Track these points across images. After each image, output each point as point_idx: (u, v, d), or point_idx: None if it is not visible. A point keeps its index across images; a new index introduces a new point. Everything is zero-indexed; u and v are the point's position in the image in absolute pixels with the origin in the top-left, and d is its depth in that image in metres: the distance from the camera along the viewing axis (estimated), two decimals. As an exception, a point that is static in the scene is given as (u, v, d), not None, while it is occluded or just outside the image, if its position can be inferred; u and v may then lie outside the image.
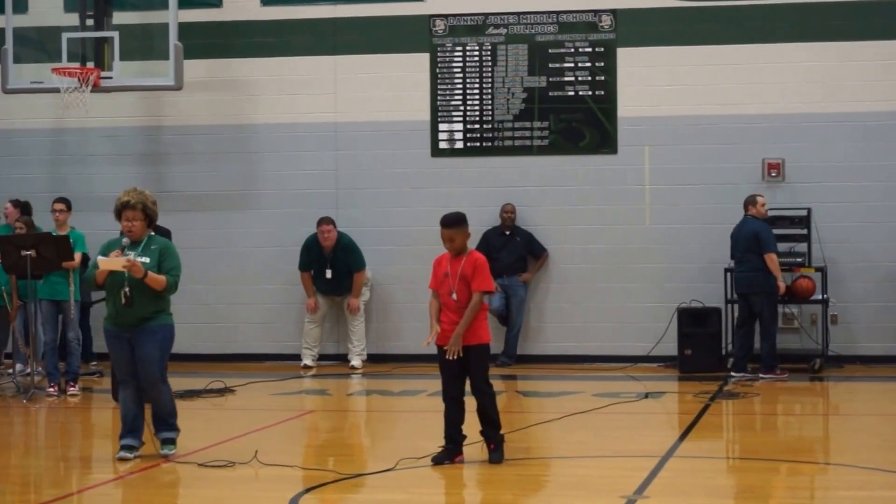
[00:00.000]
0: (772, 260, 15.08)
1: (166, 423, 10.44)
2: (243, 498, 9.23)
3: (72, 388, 14.19)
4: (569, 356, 16.65)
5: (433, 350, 16.59)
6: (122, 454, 10.30)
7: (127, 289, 10.03)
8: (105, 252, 10.22)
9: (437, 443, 10.48)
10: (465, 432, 10.14)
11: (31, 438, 12.26)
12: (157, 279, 10.07)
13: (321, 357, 16.91)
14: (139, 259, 10.06)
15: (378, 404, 14.20)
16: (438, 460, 10.01)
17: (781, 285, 15.09)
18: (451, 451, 10.07)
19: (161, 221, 15.33)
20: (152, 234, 10.34)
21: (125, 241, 10.21)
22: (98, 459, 10.88)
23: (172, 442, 10.43)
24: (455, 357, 9.93)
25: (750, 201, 15.36)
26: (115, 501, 9.26)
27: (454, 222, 10.13)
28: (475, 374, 10.02)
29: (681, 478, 9.64)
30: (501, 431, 10.15)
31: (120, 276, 10.05)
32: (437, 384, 14.67)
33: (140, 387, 10.32)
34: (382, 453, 10.66)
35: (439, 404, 13.61)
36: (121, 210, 10.21)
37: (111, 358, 10.47)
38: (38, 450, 11.54)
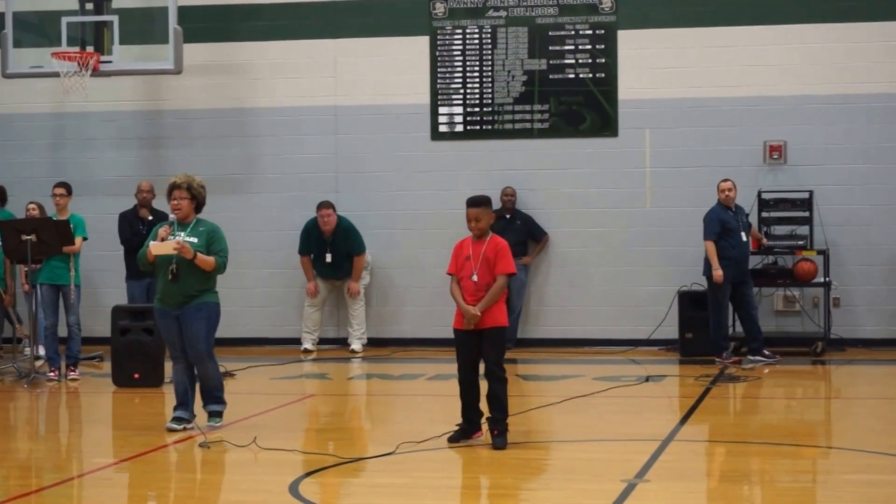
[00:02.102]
0: (707, 248, 15.05)
1: (213, 396, 10.91)
2: (243, 482, 9.23)
3: (72, 373, 14.18)
4: (569, 340, 16.64)
5: (433, 334, 16.84)
6: (171, 425, 10.76)
7: (174, 265, 10.58)
8: (157, 233, 10.75)
9: (437, 426, 10.49)
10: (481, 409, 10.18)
11: (31, 423, 12.25)
12: (207, 260, 10.63)
13: (321, 341, 16.90)
14: (187, 240, 10.60)
15: (378, 388, 14.19)
16: (454, 439, 10.09)
17: (716, 274, 14.95)
18: (466, 430, 10.12)
19: (162, 205, 15.44)
20: (200, 217, 10.87)
21: (172, 216, 10.79)
22: (98, 444, 10.89)
23: (219, 415, 10.91)
24: (472, 326, 9.92)
25: (717, 187, 15.36)
26: (116, 486, 9.25)
27: (481, 202, 10.14)
28: (489, 356, 10.02)
29: (682, 461, 9.63)
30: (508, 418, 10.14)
31: (170, 254, 10.56)
32: (436, 368, 14.79)
33: (189, 362, 10.82)
34: (382, 437, 10.65)
35: (439, 388, 13.64)
36: (170, 191, 10.79)
37: (162, 335, 10.98)
38: (39, 434, 11.53)
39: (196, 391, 11.04)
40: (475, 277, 10.01)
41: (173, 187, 10.77)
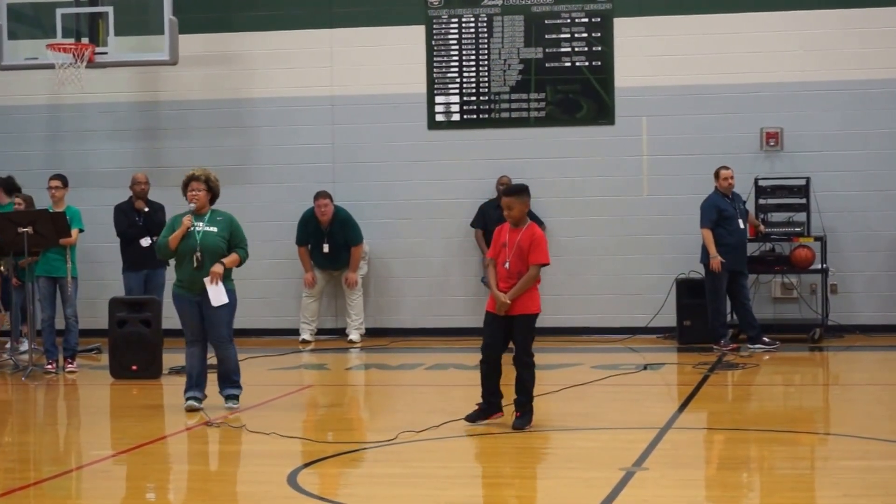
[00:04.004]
0: (704, 235, 15.05)
1: (230, 380, 11.45)
2: (242, 473, 9.24)
3: (70, 365, 14.16)
4: (567, 328, 16.63)
5: (431, 324, 16.86)
6: (191, 403, 11.30)
7: (199, 253, 11.20)
8: (173, 224, 11.34)
9: (436, 416, 10.52)
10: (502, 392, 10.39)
11: (29, 416, 12.24)
12: (233, 260, 11.43)
13: (319, 331, 16.90)
14: (207, 229, 11.31)
15: (376, 378, 14.18)
16: (472, 418, 10.28)
17: (713, 262, 14.93)
18: (485, 410, 10.30)
19: (158, 196, 15.48)
20: (214, 208, 11.52)
21: (191, 205, 11.33)
22: (97, 436, 10.89)
23: (236, 398, 11.41)
24: (503, 313, 10.16)
25: (714, 174, 15.32)
26: (114, 478, 9.24)
27: (513, 191, 10.50)
28: (518, 343, 10.25)
29: (680, 449, 9.63)
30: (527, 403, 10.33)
31: (192, 242, 11.22)
32: (435, 357, 14.83)
33: (205, 346, 11.41)
34: (381, 427, 10.64)
35: (438, 377, 13.67)
36: (187, 183, 11.39)
37: (181, 320, 11.41)
38: (37, 427, 11.52)
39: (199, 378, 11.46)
40: (507, 265, 10.25)
41: (192, 179, 11.36)
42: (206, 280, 11.17)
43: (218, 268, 11.20)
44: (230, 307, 11.38)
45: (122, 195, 15.84)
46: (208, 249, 11.26)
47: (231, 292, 11.41)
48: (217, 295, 11.21)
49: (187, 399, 11.33)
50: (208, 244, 11.27)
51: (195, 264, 11.22)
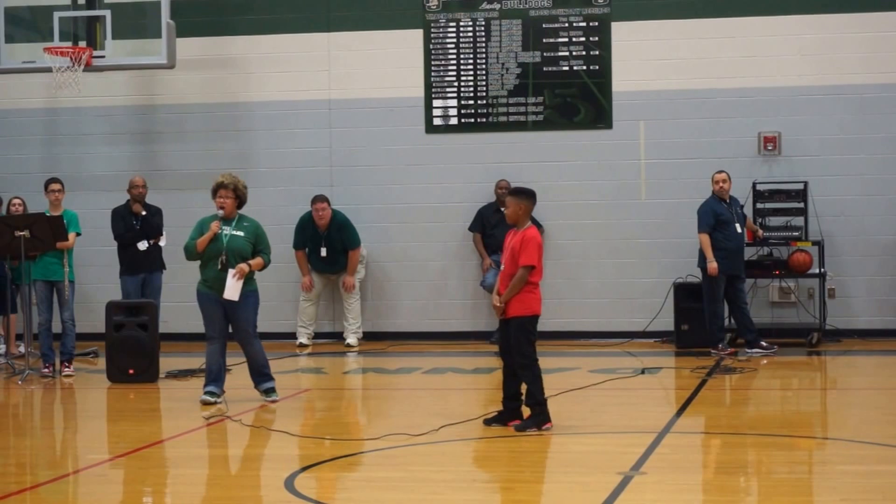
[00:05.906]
0: (701, 240, 15.04)
1: (262, 374, 12.06)
2: (238, 478, 9.22)
3: (67, 369, 14.14)
4: (565, 332, 16.62)
5: (429, 328, 16.86)
6: (205, 398, 11.80)
7: (224, 256, 11.70)
8: (201, 227, 11.80)
9: (434, 420, 10.52)
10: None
11: (26, 419, 12.22)
12: (258, 263, 11.88)
13: (317, 335, 16.88)
14: (234, 233, 11.79)
15: (374, 382, 14.18)
16: (488, 422, 10.40)
17: (710, 267, 14.91)
18: (502, 415, 10.40)
19: (155, 200, 15.47)
20: (241, 213, 11.96)
21: (220, 212, 11.82)
22: (93, 440, 10.88)
23: (273, 390, 12.05)
24: (499, 316, 10.40)
25: (712, 178, 15.34)
26: (111, 481, 9.23)
27: (513, 191, 10.76)
28: (512, 345, 10.36)
29: (678, 453, 9.63)
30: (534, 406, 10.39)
31: (219, 244, 11.70)
32: (432, 362, 14.85)
33: (224, 344, 11.92)
34: (378, 431, 10.61)
35: (436, 382, 13.68)
36: (216, 189, 11.88)
37: (204, 317, 11.94)
38: (34, 431, 11.51)
39: (220, 373, 12.00)
40: (502, 267, 10.47)
41: (220, 186, 11.85)
42: (231, 272, 11.60)
43: (244, 266, 11.67)
44: (253, 306, 11.89)
45: (119, 199, 15.81)
46: (234, 251, 11.74)
47: (254, 293, 11.91)
48: (232, 290, 11.63)
49: (203, 393, 11.84)
50: (234, 246, 11.75)
51: (220, 266, 11.69)
